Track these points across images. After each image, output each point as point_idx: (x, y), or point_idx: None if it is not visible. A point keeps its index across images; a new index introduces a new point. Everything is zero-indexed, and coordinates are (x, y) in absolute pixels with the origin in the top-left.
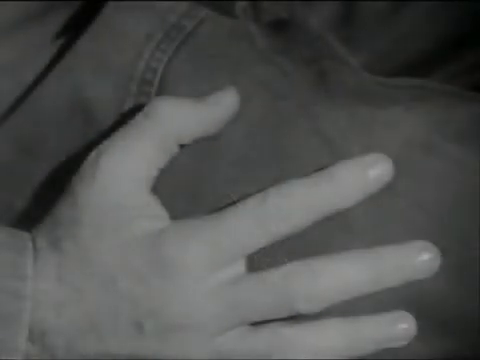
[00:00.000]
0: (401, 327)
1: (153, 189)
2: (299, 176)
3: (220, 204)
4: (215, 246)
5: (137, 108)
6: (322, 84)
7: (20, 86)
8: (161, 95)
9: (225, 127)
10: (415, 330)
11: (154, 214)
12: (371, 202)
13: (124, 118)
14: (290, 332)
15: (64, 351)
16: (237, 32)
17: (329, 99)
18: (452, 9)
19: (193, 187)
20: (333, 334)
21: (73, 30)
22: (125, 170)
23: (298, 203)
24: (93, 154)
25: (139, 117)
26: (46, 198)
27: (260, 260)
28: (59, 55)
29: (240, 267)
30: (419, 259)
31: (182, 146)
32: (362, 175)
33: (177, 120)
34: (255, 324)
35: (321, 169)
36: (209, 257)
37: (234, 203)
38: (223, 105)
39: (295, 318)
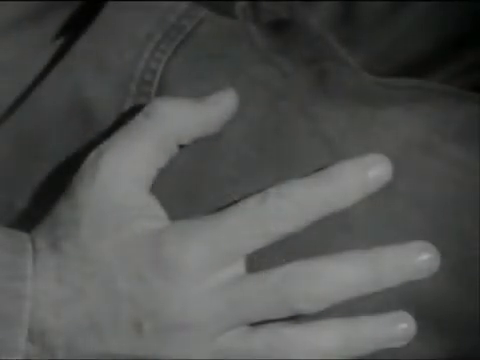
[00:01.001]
0: (401, 327)
1: (153, 189)
2: (299, 176)
3: (220, 204)
4: (215, 246)
5: (137, 108)
6: (322, 84)
7: (20, 86)
8: (161, 95)
9: (225, 127)
10: (415, 330)
11: (154, 214)
12: (371, 202)
13: (124, 118)
14: (290, 332)
15: (64, 351)
16: (237, 32)
17: (329, 99)
18: (452, 9)
19: (193, 187)
20: (333, 334)
21: (73, 30)
22: (125, 170)
23: (298, 203)
24: (93, 154)
25: (139, 117)
26: (46, 198)
27: (260, 260)
28: (59, 55)
29: (240, 267)
30: (419, 259)
31: (182, 146)
32: (362, 175)
33: (177, 120)
34: (255, 324)
35: (321, 169)
36: (209, 257)
37: (234, 203)
38: (222, 105)
39: (295, 318)
